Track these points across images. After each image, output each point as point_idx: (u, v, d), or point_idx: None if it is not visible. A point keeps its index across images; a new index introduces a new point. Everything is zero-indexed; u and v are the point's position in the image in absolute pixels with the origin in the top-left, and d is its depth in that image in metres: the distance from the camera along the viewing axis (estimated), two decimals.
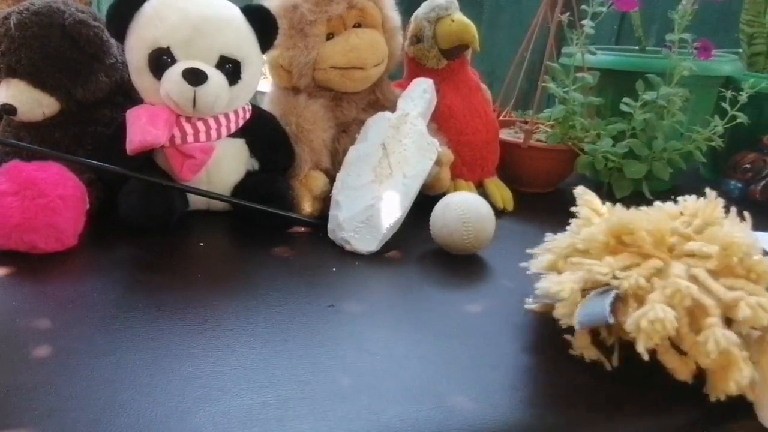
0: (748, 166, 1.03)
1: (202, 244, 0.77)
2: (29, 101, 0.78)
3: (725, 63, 1.04)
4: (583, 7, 0.93)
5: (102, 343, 0.54)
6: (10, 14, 0.77)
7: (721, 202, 0.57)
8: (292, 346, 0.56)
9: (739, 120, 0.92)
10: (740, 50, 1.13)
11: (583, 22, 0.94)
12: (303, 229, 0.82)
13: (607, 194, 0.95)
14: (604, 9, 0.91)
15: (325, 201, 0.83)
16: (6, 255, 0.68)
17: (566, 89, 0.96)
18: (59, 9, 0.77)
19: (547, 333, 0.61)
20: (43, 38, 0.76)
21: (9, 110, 0.78)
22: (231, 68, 0.76)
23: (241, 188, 0.83)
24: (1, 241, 0.68)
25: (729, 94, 0.93)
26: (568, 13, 0.95)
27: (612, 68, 1.01)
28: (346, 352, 0.55)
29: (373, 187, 0.78)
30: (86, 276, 0.68)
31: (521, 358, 0.56)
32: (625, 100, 0.94)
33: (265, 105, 0.90)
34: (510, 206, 0.94)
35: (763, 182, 0.99)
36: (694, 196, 0.59)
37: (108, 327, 0.57)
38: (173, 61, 0.74)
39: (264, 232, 0.80)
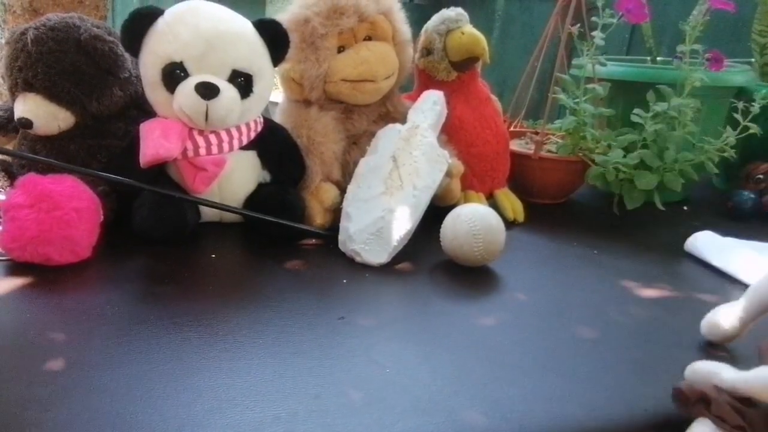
0: (761, 176, 1.02)
1: (214, 255, 0.78)
2: (45, 115, 0.79)
3: (737, 74, 1.03)
4: (594, 18, 0.94)
5: (115, 356, 0.55)
6: (27, 30, 0.78)
7: None
8: (302, 359, 0.56)
9: (751, 131, 0.92)
10: (752, 60, 1.13)
11: (594, 33, 0.94)
12: (314, 240, 0.83)
13: (618, 205, 0.94)
14: (615, 20, 0.91)
15: (335, 213, 0.83)
16: (21, 267, 0.69)
17: (577, 100, 0.96)
18: (75, 24, 0.79)
19: (559, 348, 0.60)
20: (59, 53, 0.77)
21: (25, 124, 0.79)
22: (243, 82, 0.77)
23: (253, 200, 0.83)
24: (16, 254, 0.69)
25: (741, 104, 0.92)
26: (578, 25, 0.95)
27: (623, 79, 1.01)
28: (356, 365, 0.55)
29: (384, 199, 0.78)
30: (100, 288, 0.68)
31: (533, 373, 0.56)
32: (636, 111, 0.94)
33: (277, 117, 0.91)
34: (521, 217, 0.94)
35: None
36: None
37: (121, 339, 0.57)
38: (186, 75, 0.75)
39: (275, 243, 0.81)
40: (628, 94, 1.00)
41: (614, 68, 1.02)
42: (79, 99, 0.79)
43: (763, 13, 1.09)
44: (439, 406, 0.50)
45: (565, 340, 0.62)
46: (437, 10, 0.92)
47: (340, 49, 0.85)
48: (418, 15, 0.96)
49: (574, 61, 1.03)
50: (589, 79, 0.97)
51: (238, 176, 0.83)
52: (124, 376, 0.52)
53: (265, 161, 0.85)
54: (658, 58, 1.11)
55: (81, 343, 0.57)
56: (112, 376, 0.52)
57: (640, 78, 1.00)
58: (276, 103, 0.95)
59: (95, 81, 0.79)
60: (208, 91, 0.74)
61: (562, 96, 0.97)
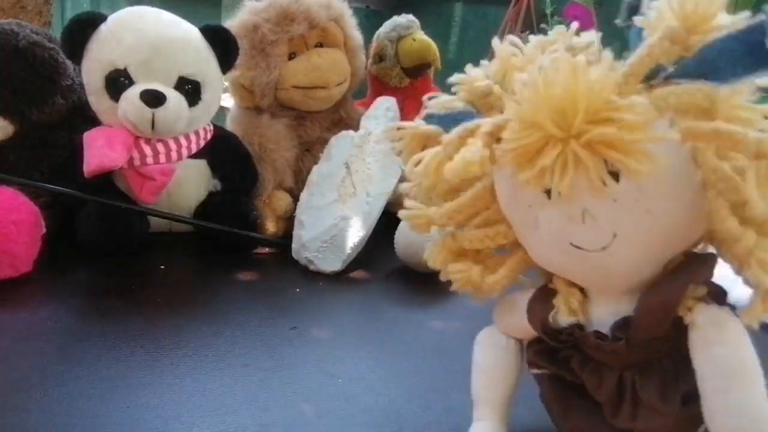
0: None
1: (163, 267, 0.76)
2: None
3: None
4: (543, 25, 0.95)
5: (55, 374, 0.52)
6: None
7: None
8: (252, 372, 0.55)
9: None
10: None
11: None
12: (267, 249, 0.82)
13: None
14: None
15: (288, 221, 0.82)
16: None
17: None
18: (12, 31, 0.76)
19: None
20: None
21: None
22: (190, 89, 0.76)
23: (204, 209, 0.81)
24: None
25: None
26: (528, 32, 0.97)
27: None
28: (308, 376, 0.54)
29: (337, 207, 0.77)
30: (41, 303, 0.66)
31: None
32: None
33: (228, 124, 0.90)
34: None
35: None
36: None
37: (62, 357, 0.55)
38: (131, 82, 0.73)
39: (227, 253, 0.79)
40: None
41: None
42: (19, 108, 0.77)
43: None
44: (391, 415, 0.50)
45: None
46: (394, 15, 0.92)
47: (291, 56, 0.84)
48: (375, 21, 0.96)
49: None
50: None
51: (187, 185, 0.81)
52: (63, 395, 0.50)
53: (216, 170, 0.83)
54: None
55: (18, 362, 0.54)
56: (50, 395, 0.50)
57: None
58: (228, 109, 0.94)
59: (35, 89, 0.77)
60: (153, 98, 0.72)
61: None
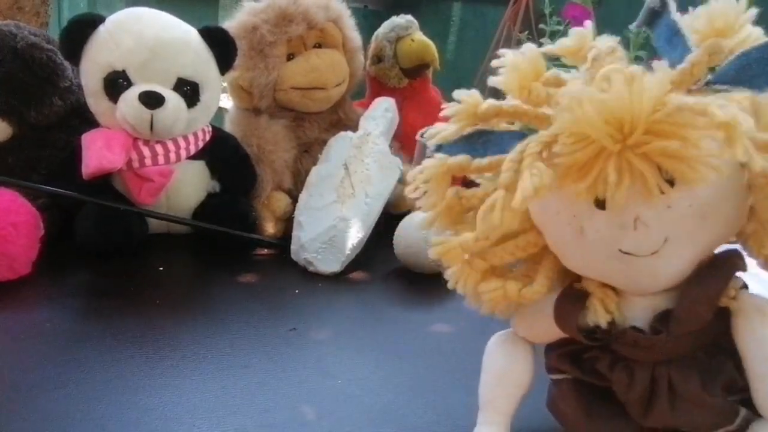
0: None
1: (161, 268, 0.76)
2: None
3: None
4: (541, 25, 0.95)
5: (53, 376, 0.52)
6: None
7: None
8: (252, 373, 0.55)
9: None
10: None
11: (542, 40, 0.95)
12: (266, 250, 0.81)
13: None
14: (561, 27, 0.93)
15: (287, 222, 0.82)
16: None
17: None
18: (11, 32, 0.76)
19: None
20: None
21: None
22: (189, 90, 0.76)
23: (202, 210, 0.81)
24: None
25: None
26: (526, 32, 0.97)
27: None
28: (307, 377, 0.54)
29: (336, 208, 0.77)
30: (39, 305, 0.66)
31: None
32: None
33: (226, 126, 0.90)
34: None
35: None
36: None
37: (61, 358, 0.55)
38: (129, 84, 0.73)
39: (226, 254, 0.79)
40: None
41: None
42: (17, 109, 0.76)
43: None
44: (391, 415, 0.50)
45: None
46: (393, 16, 0.92)
47: (290, 57, 0.84)
48: (373, 21, 0.96)
49: None
50: None
51: (186, 186, 0.81)
52: (63, 397, 0.50)
53: (215, 171, 0.83)
54: None
55: (17, 364, 0.54)
56: (50, 397, 0.50)
57: None
58: (227, 109, 0.94)
59: (33, 90, 0.77)
60: (152, 100, 0.72)
61: None
